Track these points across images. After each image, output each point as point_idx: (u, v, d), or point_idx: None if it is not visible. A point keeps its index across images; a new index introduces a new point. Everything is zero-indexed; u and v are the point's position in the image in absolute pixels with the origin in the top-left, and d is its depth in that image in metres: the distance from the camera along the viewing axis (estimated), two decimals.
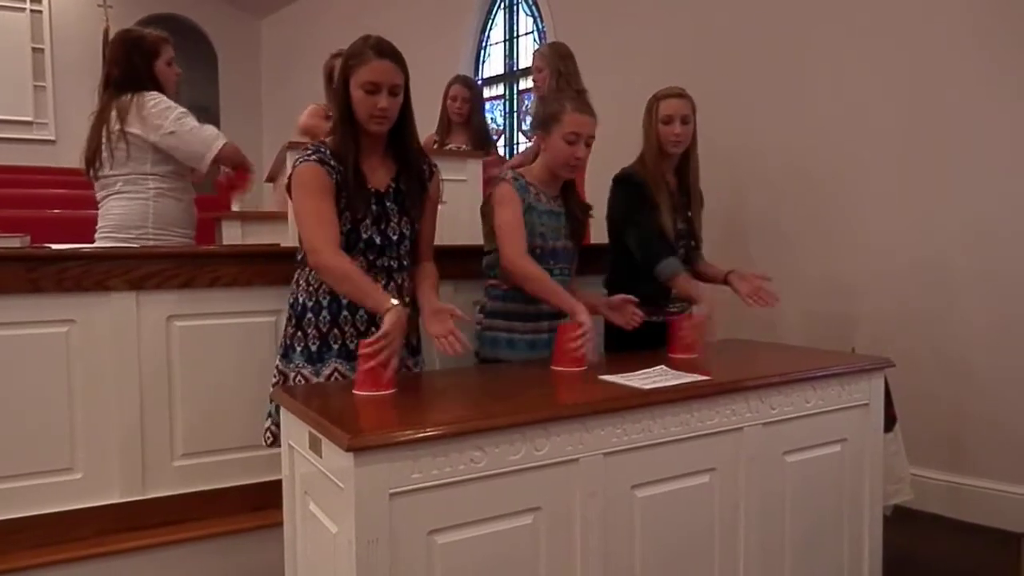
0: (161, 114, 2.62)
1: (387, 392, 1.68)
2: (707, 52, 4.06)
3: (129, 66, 2.67)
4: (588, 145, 2.22)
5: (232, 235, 3.40)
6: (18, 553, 1.98)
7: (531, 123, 2.77)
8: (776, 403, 1.90)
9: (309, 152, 1.95)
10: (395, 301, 1.77)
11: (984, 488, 3.05)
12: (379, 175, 2.01)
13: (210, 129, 2.71)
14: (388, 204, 2.00)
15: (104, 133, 2.62)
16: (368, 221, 1.96)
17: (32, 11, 7.67)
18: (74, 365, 2.09)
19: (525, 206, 2.21)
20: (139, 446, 2.16)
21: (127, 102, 2.62)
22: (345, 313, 1.97)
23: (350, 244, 1.95)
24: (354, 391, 1.69)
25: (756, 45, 3.85)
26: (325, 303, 1.98)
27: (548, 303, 2.17)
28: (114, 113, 2.61)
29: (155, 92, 2.66)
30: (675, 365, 1.98)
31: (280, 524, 1.80)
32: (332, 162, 1.93)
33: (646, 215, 2.49)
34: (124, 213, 2.65)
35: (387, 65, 1.91)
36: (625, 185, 2.55)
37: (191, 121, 2.67)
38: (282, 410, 1.77)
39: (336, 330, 1.98)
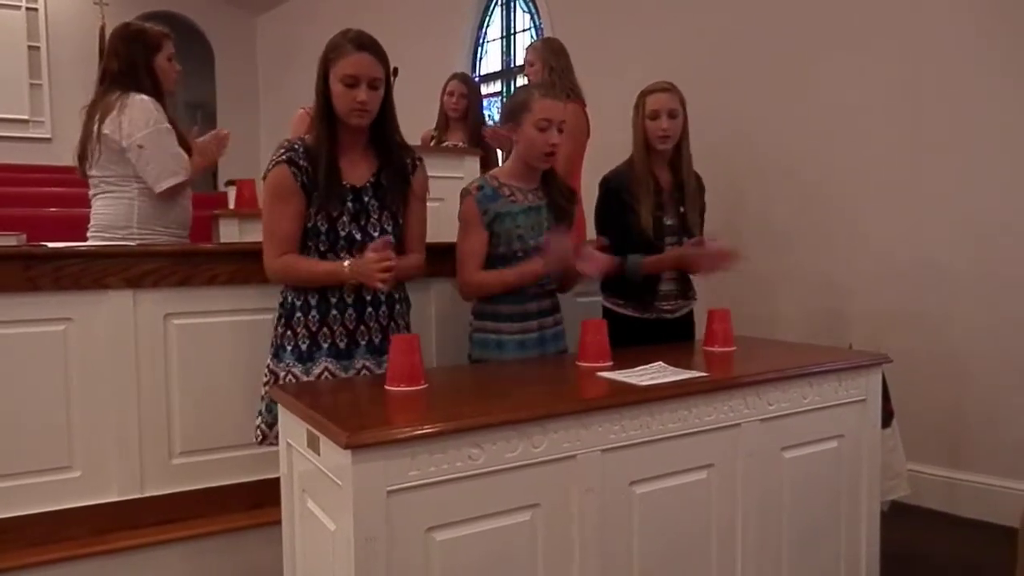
0: (138, 122, 2.54)
1: (419, 388, 1.71)
2: (705, 50, 4.06)
3: (129, 60, 2.63)
4: (560, 131, 2.17)
5: (229, 233, 3.40)
6: (16, 551, 1.98)
7: (500, 116, 2.74)
8: (774, 399, 1.90)
9: (283, 151, 1.94)
10: (346, 266, 1.88)
11: (981, 483, 3.06)
12: (359, 170, 2.00)
13: (176, 161, 2.60)
14: (367, 199, 1.98)
15: (90, 130, 2.59)
16: (345, 218, 1.95)
17: (28, 9, 7.64)
18: (71, 363, 2.08)
19: (493, 216, 2.16)
20: (137, 444, 2.15)
21: (112, 102, 2.57)
22: (334, 312, 1.97)
23: (331, 242, 1.95)
24: (386, 387, 1.72)
25: (754, 44, 3.85)
26: (314, 302, 1.97)
27: (518, 286, 2.18)
28: (98, 112, 2.58)
29: (144, 96, 2.59)
30: (673, 360, 1.98)
31: (278, 522, 1.80)
32: (302, 161, 1.92)
33: (616, 225, 2.49)
34: (108, 213, 2.63)
35: (366, 58, 1.90)
36: (603, 190, 2.55)
37: (166, 142, 2.58)
38: (280, 408, 1.77)
39: (326, 329, 1.98)
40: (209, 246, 2.77)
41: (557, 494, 1.57)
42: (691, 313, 2.66)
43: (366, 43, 1.91)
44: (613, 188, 2.51)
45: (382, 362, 1.99)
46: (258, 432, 2.03)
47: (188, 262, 2.20)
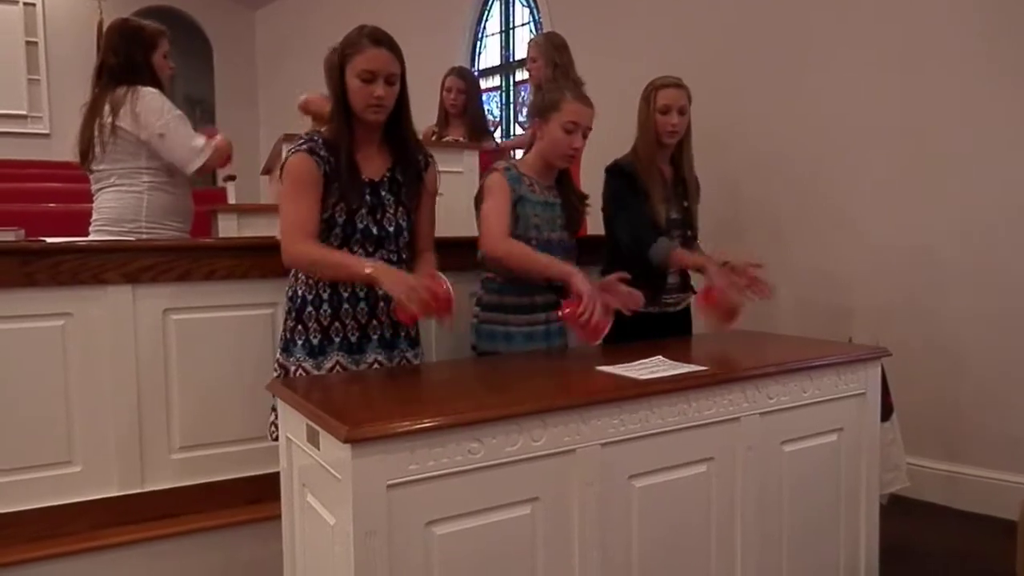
0: (154, 113, 2.57)
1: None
2: (703, 43, 4.05)
3: (127, 56, 2.63)
4: (585, 136, 2.21)
5: (228, 228, 3.40)
6: (17, 546, 1.98)
7: (528, 111, 2.74)
8: (773, 393, 1.90)
9: (301, 142, 1.95)
10: (368, 266, 1.82)
11: (979, 476, 3.06)
12: (374, 165, 2.00)
13: (199, 139, 2.66)
14: (383, 194, 2.00)
15: (96, 126, 2.59)
16: (364, 211, 1.96)
17: (25, 4, 7.61)
18: (70, 358, 2.08)
19: (517, 197, 2.20)
20: (137, 439, 2.16)
21: (121, 96, 2.58)
22: (346, 306, 1.97)
23: (347, 235, 1.95)
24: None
25: (753, 37, 3.84)
26: (325, 296, 1.97)
27: (539, 275, 2.14)
28: (107, 106, 2.58)
29: (151, 88, 2.62)
30: (673, 354, 1.98)
31: (278, 517, 1.80)
32: (323, 152, 1.92)
33: (635, 204, 2.48)
34: (117, 207, 2.63)
35: (383, 54, 1.90)
36: (615, 175, 2.54)
37: (184, 127, 2.62)
38: (279, 402, 1.77)
39: (337, 323, 1.97)
40: (208, 241, 2.78)
41: (557, 488, 1.57)
42: (689, 306, 2.67)
43: (383, 39, 1.92)
44: (626, 173, 2.50)
45: (393, 356, 2.02)
46: (272, 428, 1.99)
47: (187, 257, 2.20)
